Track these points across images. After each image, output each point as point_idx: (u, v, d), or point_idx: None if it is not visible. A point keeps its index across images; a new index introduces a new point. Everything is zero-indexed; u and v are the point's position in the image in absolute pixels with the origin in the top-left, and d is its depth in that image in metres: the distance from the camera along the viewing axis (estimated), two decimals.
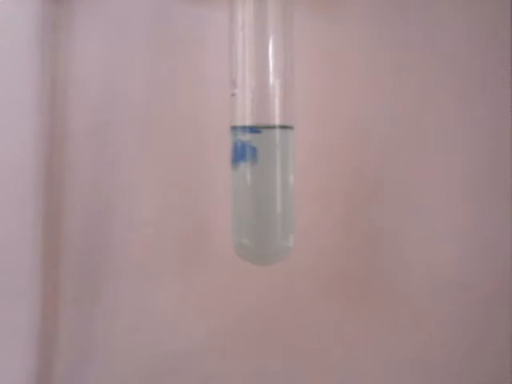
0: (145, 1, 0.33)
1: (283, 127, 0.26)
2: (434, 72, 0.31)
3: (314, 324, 0.33)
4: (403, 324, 0.32)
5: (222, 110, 0.27)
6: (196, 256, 0.33)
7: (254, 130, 0.25)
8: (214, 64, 0.32)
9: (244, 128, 0.26)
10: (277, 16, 0.26)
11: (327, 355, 0.33)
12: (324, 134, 0.32)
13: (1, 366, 0.35)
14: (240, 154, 0.26)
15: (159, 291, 0.34)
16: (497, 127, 0.31)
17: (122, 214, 0.34)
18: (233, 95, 0.26)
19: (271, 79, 0.26)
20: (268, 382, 0.33)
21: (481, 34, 0.31)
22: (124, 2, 0.34)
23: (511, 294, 0.31)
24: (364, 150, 0.32)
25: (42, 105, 0.34)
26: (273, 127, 0.26)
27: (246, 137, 0.25)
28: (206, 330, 0.34)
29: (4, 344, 0.35)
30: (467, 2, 0.31)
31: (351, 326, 0.32)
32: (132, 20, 0.34)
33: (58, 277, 0.34)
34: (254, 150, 0.25)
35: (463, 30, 0.31)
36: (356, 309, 0.32)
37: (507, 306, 0.31)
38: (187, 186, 0.33)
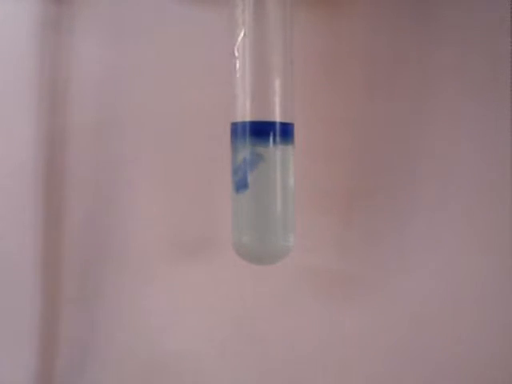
0: (145, 1, 0.34)
1: (283, 126, 0.26)
2: (434, 73, 0.31)
3: (313, 324, 0.33)
4: (403, 324, 0.32)
5: (223, 108, 0.27)
6: (196, 256, 0.33)
7: (254, 128, 0.25)
8: (214, 63, 0.32)
9: (244, 125, 0.26)
10: (277, 16, 0.26)
11: (327, 355, 0.33)
12: (324, 134, 0.32)
13: (1, 365, 0.35)
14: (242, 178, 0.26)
15: (159, 291, 0.34)
16: (497, 127, 0.31)
17: (123, 213, 0.34)
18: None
19: (271, 79, 0.26)
20: (268, 381, 0.33)
21: (481, 34, 0.31)
22: (124, 3, 0.34)
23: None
24: (363, 150, 0.32)
25: (43, 104, 0.34)
26: (273, 125, 0.26)
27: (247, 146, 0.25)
28: (206, 331, 0.34)
29: (5, 344, 0.35)
30: (467, 2, 0.31)
31: (351, 325, 0.32)
32: (132, 20, 0.34)
33: (58, 277, 0.34)
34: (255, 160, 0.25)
35: (464, 31, 0.31)
36: (356, 309, 0.32)
37: (508, 305, 0.31)
38: (187, 186, 0.34)
